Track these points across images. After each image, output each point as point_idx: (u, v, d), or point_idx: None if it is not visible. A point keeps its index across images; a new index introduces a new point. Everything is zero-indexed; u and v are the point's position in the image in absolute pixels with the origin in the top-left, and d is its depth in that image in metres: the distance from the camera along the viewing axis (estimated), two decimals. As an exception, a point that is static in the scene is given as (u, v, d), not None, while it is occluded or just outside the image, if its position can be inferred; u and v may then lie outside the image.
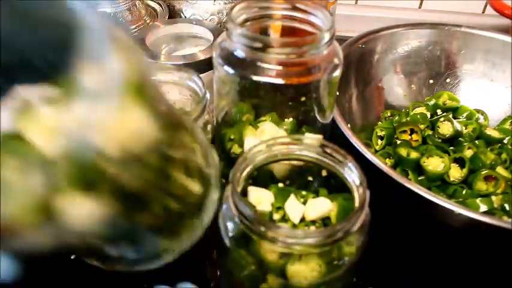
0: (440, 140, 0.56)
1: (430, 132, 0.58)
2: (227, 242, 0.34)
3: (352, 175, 0.34)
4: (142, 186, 0.28)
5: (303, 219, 0.36)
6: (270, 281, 0.33)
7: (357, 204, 0.33)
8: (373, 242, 0.35)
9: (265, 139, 0.36)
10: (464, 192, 0.51)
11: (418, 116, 0.59)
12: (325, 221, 0.36)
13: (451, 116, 0.58)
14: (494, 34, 0.63)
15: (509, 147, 0.56)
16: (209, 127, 0.43)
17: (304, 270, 0.32)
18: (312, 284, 0.32)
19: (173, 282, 0.46)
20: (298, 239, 0.30)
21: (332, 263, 0.32)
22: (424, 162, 0.53)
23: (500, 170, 0.53)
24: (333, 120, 0.49)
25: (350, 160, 0.35)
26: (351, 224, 0.31)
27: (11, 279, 0.28)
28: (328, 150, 0.36)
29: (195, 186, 0.33)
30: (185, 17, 0.73)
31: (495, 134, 0.57)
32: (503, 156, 0.55)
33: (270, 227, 0.30)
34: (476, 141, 0.56)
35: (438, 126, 0.57)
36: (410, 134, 0.57)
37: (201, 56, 0.57)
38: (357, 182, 0.34)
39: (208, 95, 0.45)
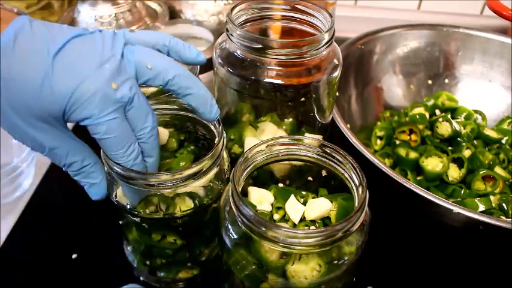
0: (438, 140, 0.57)
1: (429, 133, 0.58)
2: (228, 242, 0.34)
3: (351, 175, 0.34)
4: None
5: (303, 219, 0.36)
6: (270, 280, 0.33)
7: (356, 204, 0.33)
8: (373, 241, 0.35)
9: (265, 139, 0.36)
10: (462, 192, 0.51)
11: (417, 116, 0.59)
12: (325, 220, 0.36)
13: (449, 116, 0.58)
14: (492, 35, 0.64)
15: (508, 147, 0.57)
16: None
17: (304, 269, 0.32)
18: (312, 284, 0.32)
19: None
20: (298, 239, 0.30)
21: (332, 263, 0.32)
22: (423, 162, 0.53)
23: (498, 170, 0.53)
24: (333, 121, 0.49)
25: (350, 160, 0.35)
26: (351, 224, 0.31)
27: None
28: (328, 150, 0.36)
29: None
30: (185, 17, 0.73)
31: (493, 134, 0.57)
32: (501, 156, 0.55)
33: (270, 227, 0.30)
34: (475, 142, 0.57)
35: (437, 127, 0.57)
36: (409, 134, 0.58)
37: (201, 57, 0.57)
38: (357, 182, 0.34)
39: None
